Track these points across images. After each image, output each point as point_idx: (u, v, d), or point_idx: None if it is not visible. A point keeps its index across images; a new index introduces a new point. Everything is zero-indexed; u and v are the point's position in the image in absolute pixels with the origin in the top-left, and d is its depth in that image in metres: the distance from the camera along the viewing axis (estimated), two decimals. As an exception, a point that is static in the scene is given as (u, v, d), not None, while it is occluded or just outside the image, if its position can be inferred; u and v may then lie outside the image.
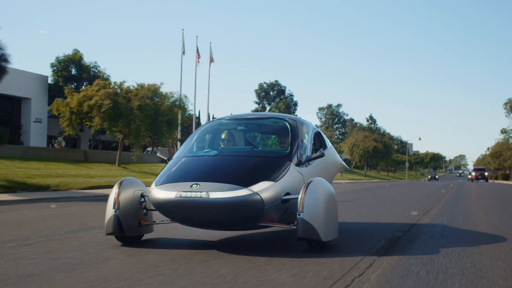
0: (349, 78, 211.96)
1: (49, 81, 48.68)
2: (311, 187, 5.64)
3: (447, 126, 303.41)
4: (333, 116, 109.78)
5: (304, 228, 5.47)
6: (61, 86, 48.12)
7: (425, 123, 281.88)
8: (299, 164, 6.35)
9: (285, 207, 5.91)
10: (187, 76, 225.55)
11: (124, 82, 33.51)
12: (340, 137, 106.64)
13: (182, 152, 6.78)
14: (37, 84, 45.88)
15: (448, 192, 23.44)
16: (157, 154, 7.53)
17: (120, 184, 6.28)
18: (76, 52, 48.87)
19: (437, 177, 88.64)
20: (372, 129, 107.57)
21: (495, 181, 64.49)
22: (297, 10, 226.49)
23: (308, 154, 6.78)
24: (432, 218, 10.07)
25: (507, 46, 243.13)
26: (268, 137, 7.80)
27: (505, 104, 64.08)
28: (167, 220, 6.42)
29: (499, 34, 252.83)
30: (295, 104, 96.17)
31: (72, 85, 46.88)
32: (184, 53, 47.39)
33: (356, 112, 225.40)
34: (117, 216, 6.05)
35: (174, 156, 6.72)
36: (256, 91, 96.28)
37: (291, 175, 6.07)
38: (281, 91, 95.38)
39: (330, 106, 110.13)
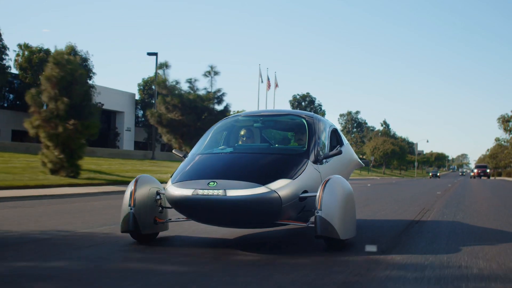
0: (362, 83, 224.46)
1: (136, 97, 62.62)
2: (329, 185, 5.59)
3: (450, 126, 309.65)
4: (352, 122, 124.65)
5: (322, 226, 5.42)
6: (144, 101, 61.23)
7: (429, 123, 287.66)
8: (316, 161, 6.30)
9: (302, 205, 5.84)
10: (258, 99, 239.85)
11: (243, 111, 49.78)
12: (355, 140, 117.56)
13: (197, 150, 6.67)
14: (127, 100, 60.02)
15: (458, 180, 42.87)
16: (173, 151, 7.39)
17: (136, 181, 6.20)
18: (158, 75, 64.52)
19: (438, 174, 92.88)
20: (386, 133, 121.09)
21: (496, 178, 74.58)
22: (315, 22, 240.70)
23: (325, 151, 6.70)
24: (458, 186, 29.04)
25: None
26: (284, 134, 7.58)
27: (499, 119, 78.05)
28: (182, 218, 6.34)
29: (505, 36, 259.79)
30: (324, 114, 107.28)
31: (153, 101, 55.90)
32: (262, 81, 63.60)
33: (370, 115, 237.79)
34: (133, 214, 5.99)
35: (190, 154, 6.64)
36: (290, 101, 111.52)
37: (309, 172, 6.02)
38: (311, 101, 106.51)
39: (350, 113, 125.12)
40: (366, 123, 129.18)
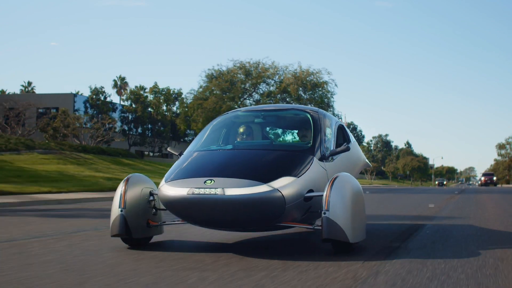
0: (388, 103, 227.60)
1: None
2: (337, 183, 5.13)
3: (459, 140, 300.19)
4: (382, 143, 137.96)
5: (330, 228, 4.96)
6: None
7: (439, 137, 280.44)
8: (322, 158, 5.85)
9: (307, 205, 5.40)
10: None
11: None
12: (392, 159, 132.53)
13: (194, 146, 6.25)
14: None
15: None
16: (168, 149, 6.99)
17: (127, 181, 5.76)
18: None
19: (444, 182, 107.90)
20: (411, 152, 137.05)
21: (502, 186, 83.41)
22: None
23: (332, 148, 6.25)
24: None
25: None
26: (287, 130, 7.21)
27: (496, 146, 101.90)
28: (178, 221, 5.88)
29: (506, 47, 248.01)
30: (363, 136, 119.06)
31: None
32: None
33: (393, 133, 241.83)
34: (123, 216, 5.54)
35: (186, 151, 6.21)
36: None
37: (314, 170, 5.58)
38: (354, 128, 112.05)
39: (380, 135, 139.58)
40: (390, 142, 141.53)
